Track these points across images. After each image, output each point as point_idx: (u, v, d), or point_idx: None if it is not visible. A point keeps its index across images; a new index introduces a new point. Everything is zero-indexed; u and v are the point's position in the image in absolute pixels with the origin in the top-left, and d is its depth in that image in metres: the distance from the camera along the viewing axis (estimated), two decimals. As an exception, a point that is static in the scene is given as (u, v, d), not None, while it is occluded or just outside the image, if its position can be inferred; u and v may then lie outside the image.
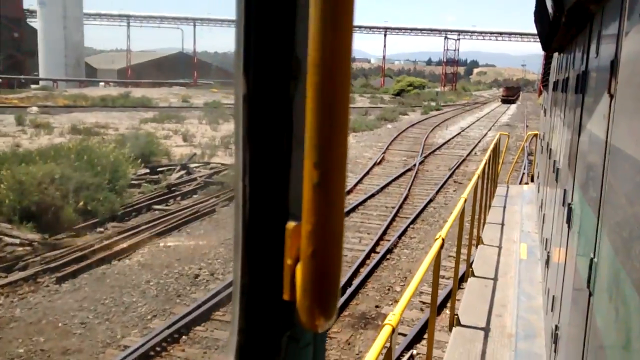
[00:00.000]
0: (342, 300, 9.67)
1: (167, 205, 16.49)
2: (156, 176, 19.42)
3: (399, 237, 13.59)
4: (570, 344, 3.33)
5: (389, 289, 10.41)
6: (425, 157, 26.49)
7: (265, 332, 0.64)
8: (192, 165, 21.32)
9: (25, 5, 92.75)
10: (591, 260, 2.60)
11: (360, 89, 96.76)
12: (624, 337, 1.85)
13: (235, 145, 0.60)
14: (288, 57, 0.57)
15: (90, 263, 11.17)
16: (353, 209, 16.23)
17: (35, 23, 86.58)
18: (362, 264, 11.67)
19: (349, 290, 10.17)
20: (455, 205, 6.73)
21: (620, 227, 2.09)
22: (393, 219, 15.26)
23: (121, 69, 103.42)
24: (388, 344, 3.23)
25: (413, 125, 41.85)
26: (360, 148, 29.33)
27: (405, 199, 17.74)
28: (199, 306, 9.28)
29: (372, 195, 18.08)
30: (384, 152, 27.29)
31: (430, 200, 17.61)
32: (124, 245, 12.31)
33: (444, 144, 31.70)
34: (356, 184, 19.65)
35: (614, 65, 2.49)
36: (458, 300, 6.88)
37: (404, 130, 37.54)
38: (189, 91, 72.96)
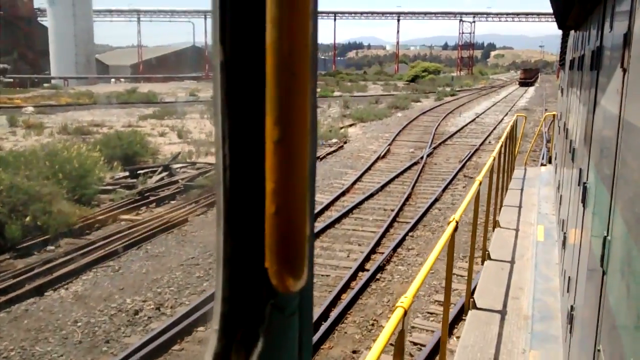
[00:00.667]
0: (312, 340, 7.63)
1: (137, 215, 14.55)
2: (135, 180, 17.50)
3: (394, 249, 11.44)
4: (584, 324, 3.28)
5: (373, 324, 8.28)
6: (435, 148, 24.15)
7: (249, 300, 0.62)
8: (176, 166, 19.33)
9: (36, 4, 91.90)
10: (604, 238, 2.55)
11: (373, 76, 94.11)
12: (636, 316, 1.77)
13: (214, 112, 0.59)
14: (264, 23, 0.55)
15: (17, 295, 9.25)
16: (346, 214, 14.07)
17: (46, 21, 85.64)
18: (346, 287, 9.57)
19: (323, 327, 8.08)
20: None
21: (633, 203, 2.02)
22: (390, 225, 13.08)
23: (133, 65, 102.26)
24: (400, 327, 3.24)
25: (425, 112, 39.40)
26: (365, 140, 27.13)
27: (407, 198, 15.53)
28: (128, 356, 7.30)
29: (371, 196, 15.90)
30: (390, 144, 25.02)
31: (436, 200, 15.36)
32: (68, 269, 10.38)
33: (456, 132, 29.28)
34: (354, 183, 17.48)
35: (627, 39, 2.42)
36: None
37: (414, 119, 35.16)
38: (199, 84, 71.31)
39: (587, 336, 2.98)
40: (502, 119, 35.92)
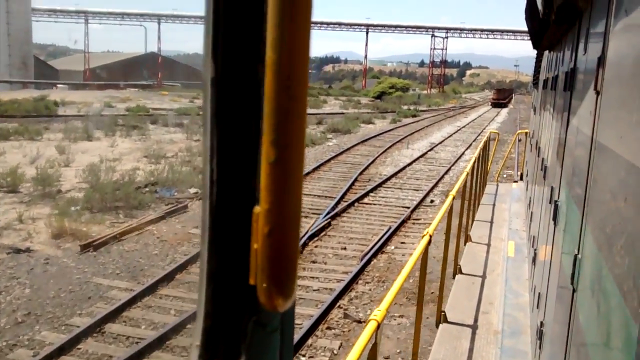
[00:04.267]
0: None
1: None
2: None
3: None
4: (554, 340, 3.28)
5: None
6: (339, 214, 13.98)
7: (231, 316, 0.61)
8: None
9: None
10: (575, 256, 2.54)
11: (337, 92, 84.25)
12: (605, 333, 1.77)
13: (204, 128, 0.58)
14: (257, 40, 0.55)
15: None
16: None
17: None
18: None
19: None
20: None
21: (603, 223, 2.02)
22: None
23: (91, 69, 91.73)
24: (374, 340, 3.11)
25: (367, 140, 29.37)
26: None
27: None
28: None
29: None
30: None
31: None
32: None
33: (391, 177, 19.18)
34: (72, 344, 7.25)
35: (600, 62, 2.41)
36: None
37: (346, 150, 25.11)
38: (134, 94, 61.04)
39: (557, 352, 2.93)
40: (463, 153, 26.01)
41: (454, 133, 35.64)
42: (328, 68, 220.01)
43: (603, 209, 2.05)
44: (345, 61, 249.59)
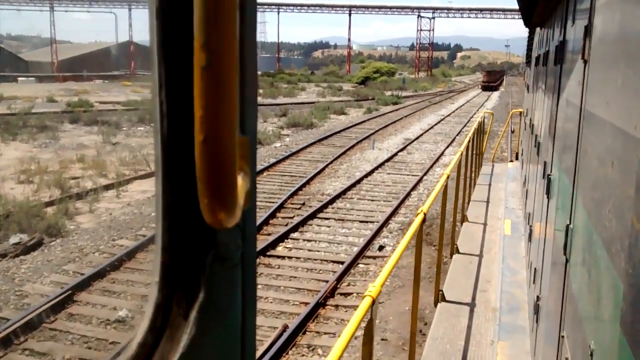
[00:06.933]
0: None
1: None
2: None
3: None
4: (549, 312, 3.22)
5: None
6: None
7: (189, 250, 0.58)
8: None
9: None
10: (567, 227, 2.50)
11: (320, 78, 77.95)
12: (596, 299, 1.73)
13: (151, 61, 0.55)
14: None
15: None
16: None
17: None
18: None
19: None
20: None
21: (592, 190, 1.99)
22: None
23: (60, 61, 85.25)
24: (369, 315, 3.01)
25: (328, 137, 23.53)
26: (107, 225, 11.04)
27: None
28: None
29: None
30: (122, 262, 9.10)
31: None
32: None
33: (336, 197, 13.36)
34: None
35: (587, 30, 2.38)
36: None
37: (293, 154, 19.28)
38: (98, 86, 55.07)
39: (552, 324, 2.92)
40: (443, 153, 20.19)
41: (436, 124, 29.73)
42: (317, 54, 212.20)
43: (592, 177, 2.01)
44: (335, 46, 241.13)
